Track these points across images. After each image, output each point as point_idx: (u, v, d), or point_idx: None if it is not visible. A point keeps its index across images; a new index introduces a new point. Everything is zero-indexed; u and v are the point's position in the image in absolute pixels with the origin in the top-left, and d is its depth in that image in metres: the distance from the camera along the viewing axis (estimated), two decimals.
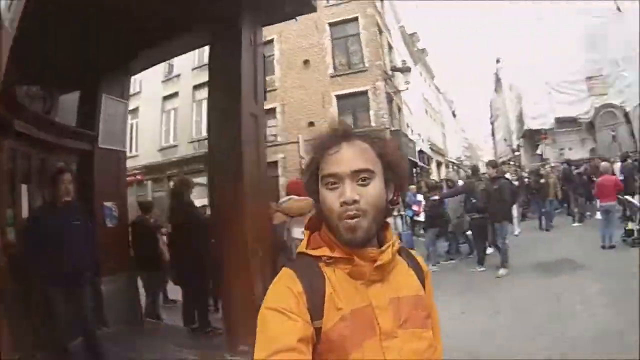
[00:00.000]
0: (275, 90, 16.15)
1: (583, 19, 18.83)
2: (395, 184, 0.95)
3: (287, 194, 4.23)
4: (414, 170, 20.74)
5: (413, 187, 11.86)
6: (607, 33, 17.99)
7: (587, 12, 18.62)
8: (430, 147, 26.33)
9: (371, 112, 15.95)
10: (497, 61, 29.34)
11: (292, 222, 3.74)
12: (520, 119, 23.40)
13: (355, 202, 0.85)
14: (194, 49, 5.86)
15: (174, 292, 5.82)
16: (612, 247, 7.57)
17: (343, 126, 0.97)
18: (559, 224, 11.03)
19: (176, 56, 7.67)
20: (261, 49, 4.30)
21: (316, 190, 0.93)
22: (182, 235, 4.57)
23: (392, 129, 16.12)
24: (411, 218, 10.99)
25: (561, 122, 19.91)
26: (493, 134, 56.89)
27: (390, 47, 18.77)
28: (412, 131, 21.68)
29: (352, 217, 0.86)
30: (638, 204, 7.91)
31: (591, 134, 19.82)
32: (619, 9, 17.07)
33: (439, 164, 30.26)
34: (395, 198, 0.96)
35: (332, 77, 16.16)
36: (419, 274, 1.01)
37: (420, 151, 22.57)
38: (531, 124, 20.85)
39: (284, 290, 0.88)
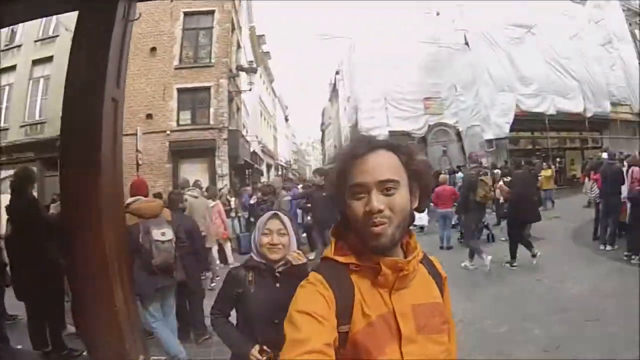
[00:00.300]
0: None
1: (430, 46, 22.15)
2: (421, 192, 1.01)
3: (132, 194, 4.08)
4: (247, 171, 21.44)
5: (248, 188, 12.39)
6: (452, 61, 21.39)
7: (436, 40, 21.79)
8: (262, 150, 27.28)
9: (211, 110, 15.61)
10: (337, 73, 32.02)
11: (150, 224, 3.67)
12: (354, 129, 25.53)
13: (380, 211, 0.91)
14: (57, 12, 4.99)
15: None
16: (449, 248, 8.88)
17: (367, 137, 1.04)
18: None
19: (34, 18, 6.51)
20: (131, 27, 3.79)
21: (343, 199, 0.97)
22: (23, 239, 3.98)
23: (230, 128, 16.21)
24: (247, 219, 11.18)
25: (395, 135, 22.01)
26: (322, 141, 61.88)
27: (239, 46, 18.83)
28: (247, 132, 22.19)
29: (377, 225, 0.91)
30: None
31: (422, 148, 22.86)
32: (467, 44, 20.03)
33: (269, 167, 31.54)
34: (420, 205, 1.02)
35: (176, 69, 15.42)
36: (437, 281, 1.07)
37: (254, 152, 23.21)
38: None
39: (315, 294, 0.93)
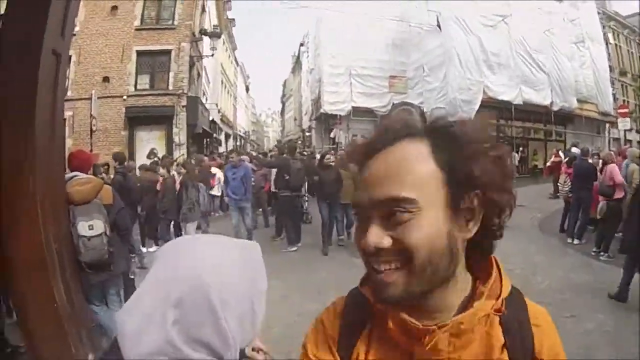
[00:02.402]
0: (74, 35, 15.06)
1: (400, 25, 23.60)
2: (488, 210, 0.66)
3: (71, 168, 3.71)
4: (205, 140, 22.25)
5: (206, 158, 13.03)
6: (421, 42, 22.81)
7: (407, 20, 23.10)
8: (221, 119, 28.18)
9: (171, 75, 16.42)
10: (302, 44, 32.91)
11: (77, 214, 3.36)
12: (317, 103, 27.01)
13: (380, 250, 0.63)
14: None
15: None
16: None
17: (394, 121, 0.73)
18: None
19: None
20: None
21: None
22: None
23: (190, 95, 17.05)
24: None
25: (358, 111, 24.07)
26: (282, 113, 63.03)
27: (203, 10, 19.51)
28: (207, 99, 22.97)
29: (380, 270, 0.64)
30: None
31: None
32: (439, 26, 21.16)
33: (227, 136, 32.50)
34: (484, 231, 0.68)
35: (137, 29, 16.01)
36: (516, 354, 0.69)
37: (212, 121, 24.10)
38: (328, 109, 24.38)
39: (320, 327, 0.81)
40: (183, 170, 8.00)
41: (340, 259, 7.28)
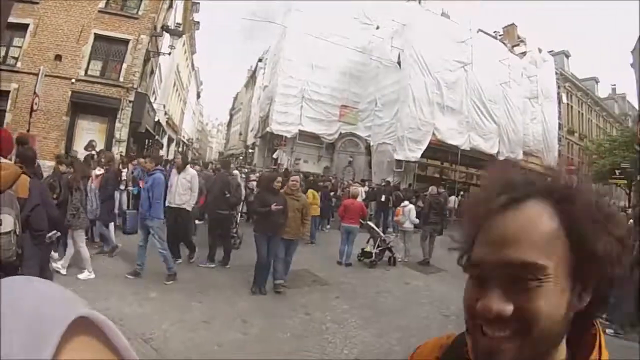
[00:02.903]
0: (37, 3, 15.35)
1: (361, 57, 25.41)
2: (596, 289, 0.66)
3: None
4: (147, 141, 22.40)
5: (143, 160, 12.78)
6: (379, 76, 24.47)
7: (369, 52, 25.00)
8: (167, 121, 28.60)
9: (124, 66, 16.74)
10: (260, 60, 34.06)
11: None
12: (265, 120, 28.17)
13: (499, 317, 0.62)
14: None
15: None
16: (348, 264, 9.55)
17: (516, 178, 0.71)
18: None
19: None
20: None
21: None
22: None
23: (139, 90, 17.40)
24: (135, 195, 10.93)
25: (304, 135, 25.55)
26: (229, 126, 63.41)
27: (170, 5, 20.20)
28: (155, 99, 23.43)
29: (491, 337, 0.64)
30: (379, 232, 10.37)
31: (329, 153, 26.46)
32: (399, 64, 22.38)
33: (170, 140, 32.76)
34: (590, 309, 0.67)
35: (100, 12, 16.31)
36: None
37: (157, 122, 24.51)
38: (275, 128, 25.57)
39: (420, 353, 0.87)
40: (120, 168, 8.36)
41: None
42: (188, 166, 8.45)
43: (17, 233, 3.23)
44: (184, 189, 7.94)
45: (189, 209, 8.11)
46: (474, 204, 0.72)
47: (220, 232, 8.56)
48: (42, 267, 3.91)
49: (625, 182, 23.10)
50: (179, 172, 8.04)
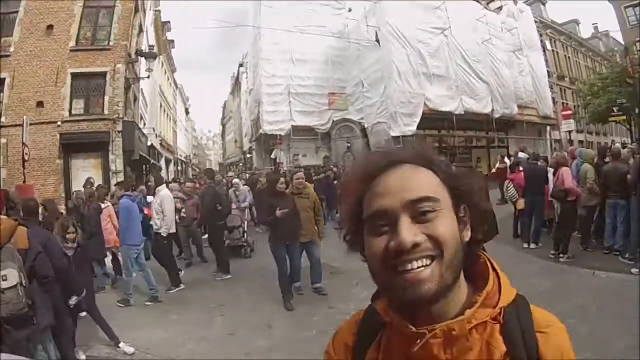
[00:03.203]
0: (9, 56, 15.42)
1: (339, 42, 25.40)
2: (473, 218, 0.83)
3: None
4: (144, 167, 22.48)
5: (142, 187, 12.63)
6: (360, 58, 24.45)
7: (346, 36, 24.94)
8: (160, 143, 28.65)
9: (106, 98, 16.65)
10: (240, 65, 34.01)
11: None
12: (256, 123, 28.20)
13: (416, 246, 0.73)
14: None
15: None
16: None
17: (385, 150, 0.89)
18: None
19: None
20: None
21: (362, 240, 0.83)
22: None
23: (126, 119, 17.34)
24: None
25: (298, 130, 25.50)
26: (223, 135, 63.60)
27: (140, 30, 20.14)
28: (144, 124, 23.43)
29: (411, 269, 0.73)
30: None
31: (326, 143, 26.42)
32: (378, 41, 22.29)
33: (167, 161, 32.88)
34: (476, 235, 0.84)
35: (72, 50, 16.27)
36: None
37: (151, 146, 24.49)
38: (267, 129, 25.55)
39: (337, 337, 0.99)
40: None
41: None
42: (160, 187, 8.11)
43: (24, 284, 3.24)
44: (156, 213, 7.72)
45: (164, 234, 7.70)
46: (353, 177, 0.87)
47: (214, 244, 8.86)
48: (58, 312, 3.89)
49: (624, 117, 22.99)
50: (154, 195, 7.95)
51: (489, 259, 0.85)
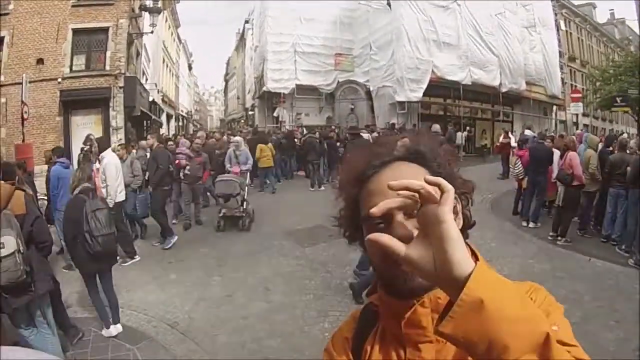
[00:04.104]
0: (7, 14, 15.09)
1: (349, 3, 24.99)
2: (462, 204, 0.91)
3: None
4: (145, 122, 22.40)
5: (143, 142, 12.29)
6: (370, 20, 23.95)
7: None
8: (162, 99, 28.46)
9: (108, 54, 16.57)
10: (246, 21, 33.30)
11: None
12: (260, 80, 27.86)
13: (411, 238, 0.73)
14: None
15: None
16: None
17: (377, 148, 0.93)
18: (297, 188, 13.96)
19: None
20: None
21: (362, 236, 0.88)
22: None
23: (128, 75, 17.25)
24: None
25: (302, 89, 25.33)
26: (225, 92, 62.99)
27: None
28: (146, 79, 23.24)
29: None
30: None
31: (329, 103, 26.25)
32: (389, 5, 21.82)
33: (169, 117, 32.71)
34: (465, 222, 0.91)
35: (73, 6, 15.94)
36: None
37: (153, 102, 24.48)
38: (271, 87, 25.39)
39: (338, 331, 1.02)
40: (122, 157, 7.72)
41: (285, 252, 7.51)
42: (105, 153, 7.46)
43: (22, 251, 3.25)
44: (101, 182, 7.15)
45: (109, 204, 6.60)
46: (347, 178, 0.93)
47: (153, 209, 8.45)
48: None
49: (627, 109, 22.71)
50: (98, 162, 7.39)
51: (471, 248, 0.85)
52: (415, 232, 0.73)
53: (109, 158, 7.40)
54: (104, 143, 8.29)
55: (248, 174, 11.18)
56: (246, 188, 9.75)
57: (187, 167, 9.39)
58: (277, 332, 4.76)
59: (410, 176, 0.75)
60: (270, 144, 14.11)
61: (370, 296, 0.97)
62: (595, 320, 4.68)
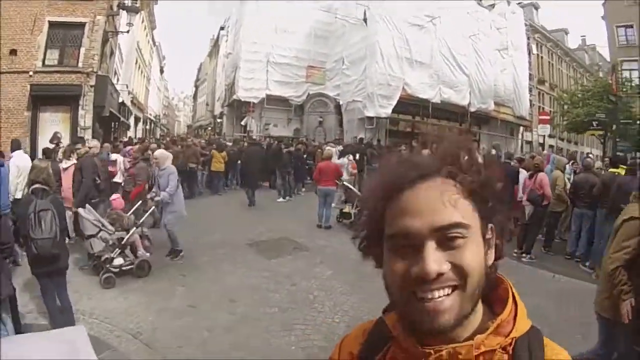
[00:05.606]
0: None
1: (325, 16, 25.41)
2: (498, 238, 0.80)
3: None
4: (114, 124, 22.16)
5: (107, 145, 11.89)
6: (345, 34, 24.45)
7: (334, 11, 24.84)
8: (132, 101, 28.26)
9: (82, 50, 16.27)
10: (222, 28, 33.60)
11: None
12: (231, 88, 28.16)
13: (440, 275, 0.70)
14: None
15: None
16: (328, 227, 9.75)
17: (412, 159, 0.80)
18: (262, 199, 13.34)
19: None
20: None
21: (380, 252, 0.79)
22: None
23: (100, 73, 17.04)
24: None
25: (272, 99, 25.69)
26: (195, 97, 62.71)
27: None
28: (118, 80, 23.06)
29: (432, 298, 0.70)
30: (357, 191, 9.91)
31: (298, 115, 26.64)
32: (365, 21, 22.30)
33: (137, 119, 32.47)
34: (497, 255, 0.81)
35: None
36: None
37: (122, 103, 24.19)
38: (242, 95, 25.63)
39: (344, 342, 0.96)
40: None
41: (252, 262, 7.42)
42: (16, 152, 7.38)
43: None
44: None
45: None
46: (376, 186, 0.81)
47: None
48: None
49: (602, 132, 24.03)
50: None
51: (511, 286, 0.82)
52: (445, 267, 0.69)
53: (16, 159, 7.37)
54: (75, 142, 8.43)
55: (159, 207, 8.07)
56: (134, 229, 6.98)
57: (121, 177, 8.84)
58: (242, 345, 4.71)
59: (451, 199, 0.72)
60: (224, 152, 15.29)
61: (385, 314, 0.87)
62: (560, 334, 4.56)
